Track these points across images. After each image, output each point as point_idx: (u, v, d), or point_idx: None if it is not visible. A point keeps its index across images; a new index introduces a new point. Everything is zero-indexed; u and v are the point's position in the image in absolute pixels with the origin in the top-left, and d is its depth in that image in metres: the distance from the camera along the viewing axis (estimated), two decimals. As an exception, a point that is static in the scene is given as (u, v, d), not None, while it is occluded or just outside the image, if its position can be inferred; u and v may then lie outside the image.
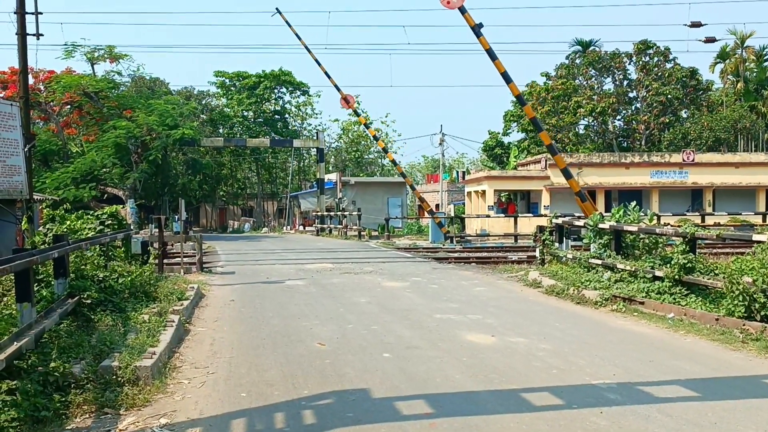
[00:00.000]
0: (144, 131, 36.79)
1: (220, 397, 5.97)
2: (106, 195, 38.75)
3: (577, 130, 52.26)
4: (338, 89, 30.54)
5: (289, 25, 29.60)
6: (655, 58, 50.58)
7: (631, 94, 52.03)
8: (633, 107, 52.20)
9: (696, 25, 23.46)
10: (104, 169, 36.95)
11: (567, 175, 20.20)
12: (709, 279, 9.85)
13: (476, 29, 19.24)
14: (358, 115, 38.56)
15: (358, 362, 7.18)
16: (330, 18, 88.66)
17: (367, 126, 41.25)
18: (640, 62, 50.57)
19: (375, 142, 42.26)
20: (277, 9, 29.71)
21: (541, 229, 15.97)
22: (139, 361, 6.42)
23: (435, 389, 6.15)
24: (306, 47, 29.50)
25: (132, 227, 24.06)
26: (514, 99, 56.39)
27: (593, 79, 52.35)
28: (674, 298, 10.08)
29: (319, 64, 29.72)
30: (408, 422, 5.27)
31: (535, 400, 5.80)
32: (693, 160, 37.71)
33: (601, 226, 12.95)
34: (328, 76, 30.01)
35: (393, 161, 35.00)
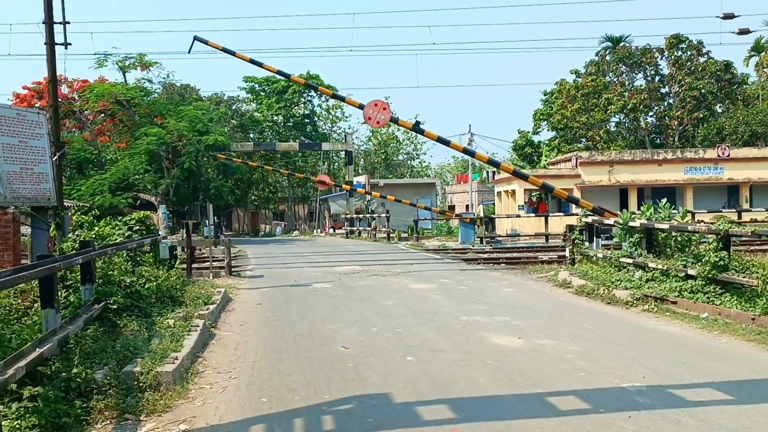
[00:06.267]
0: (175, 137, 37.24)
1: (240, 403, 5.93)
2: (139, 201, 39.30)
3: (608, 127, 51.49)
4: None
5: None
6: (688, 53, 49.56)
7: (663, 90, 51.07)
8: (665, 103, 51.24)
9: (729, 16, 22.90)
10: (137, 176, 37.49)
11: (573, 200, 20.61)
12: (744, 277, 9.55)
13: (416, 128, 20.00)
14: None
15: (381, 366, 7.08)
16: (354, 20, 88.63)
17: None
18: (673, 57, 49.59)
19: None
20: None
21: (570, 228, 15.68)
22: (161, 367, 6.40)
23: (458, 393, 6.03)
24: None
25: (164, 232, 24.32)
26: (543, 98, 55.99)
27: (624, 75, 51.54)
28: (708, 297, 9.80)
29: None
30: (429, 428, 5.17)
31: (561, 405, 5.64)
32: (728, 156, 36.87)
33: (631, 224, 12.67)
34: None
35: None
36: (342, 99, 22.59)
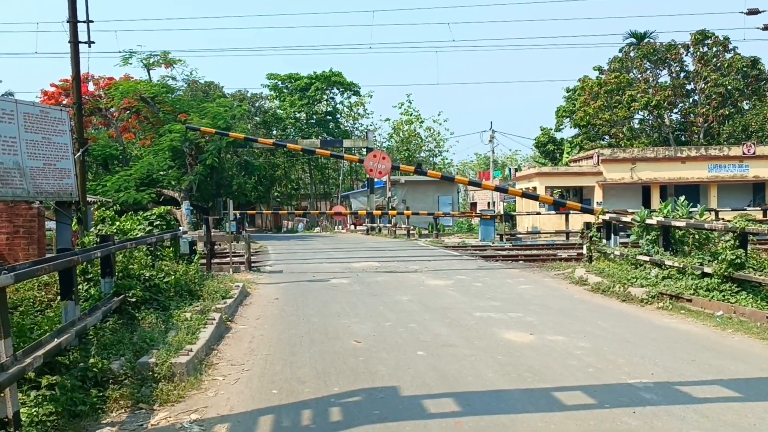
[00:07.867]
0: (197, 134, 37.64)
1: (251, 394, 6.06)
2: (163, 197, 39.80)
3: (631, 124, 50.93)
4: None
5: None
6: (714, 48, 48.81)
7: (688, 87, 50.36)
8: (690, 100, 50.54)
9: (753, 12, 22.58)
10: (161, 172, 37.99)
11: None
12: (760, 275, 9.48)
13: (418, 170, 20.13)
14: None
15: (392, 360, 7.18)
16: (374, 17, 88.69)
17: None
18: (698, 53, 48.87)
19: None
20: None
21: (588, 225, 15.64)
22: (176, 358, 6.56)
23: (465, 388, 6.10)
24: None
25: (186, 228, 24.64)
26: (565, 95, 55.54)
27: (648, 71, 50.91)
28: (723, 296, 9.75)
29: None
30: (433, 420, 5.25)
31: (567, 400, 5.69)
32: (754, 153, 36.30)
33: (648, 221, 12.61)
34: None
35: None
36: (341, 157, 26.26)
